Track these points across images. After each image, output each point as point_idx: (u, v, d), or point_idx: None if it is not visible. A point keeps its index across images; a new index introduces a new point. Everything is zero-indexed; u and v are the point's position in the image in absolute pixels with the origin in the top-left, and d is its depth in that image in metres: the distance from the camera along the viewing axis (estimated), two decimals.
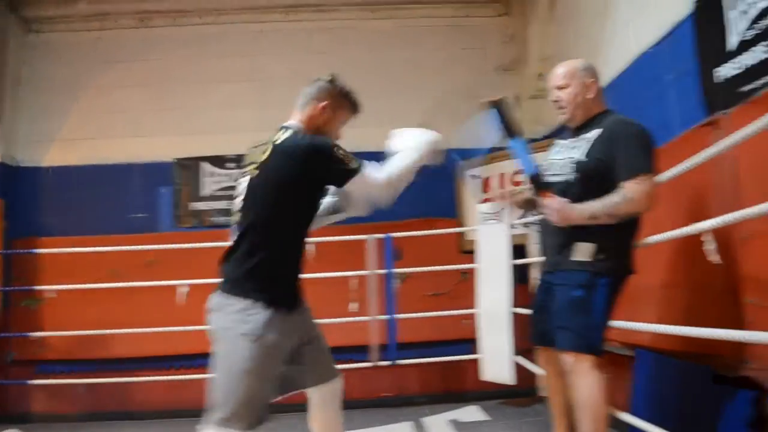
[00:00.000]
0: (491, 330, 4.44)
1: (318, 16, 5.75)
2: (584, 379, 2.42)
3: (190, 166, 5.51)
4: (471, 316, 4.47)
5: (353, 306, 4.69)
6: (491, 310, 4.41)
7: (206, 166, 5.50)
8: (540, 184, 2.55)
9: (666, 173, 2.47)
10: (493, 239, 4.51)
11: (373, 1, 5.71)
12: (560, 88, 2.67)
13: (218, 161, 5.50)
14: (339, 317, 4.64)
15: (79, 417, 4.99)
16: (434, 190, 5.43)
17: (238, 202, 2.21)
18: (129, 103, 5.58)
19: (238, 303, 2.07)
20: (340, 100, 2.38)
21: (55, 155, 5.55)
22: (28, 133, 5.56)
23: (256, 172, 2.16)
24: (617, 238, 2.47)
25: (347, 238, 4.73)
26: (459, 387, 4.97)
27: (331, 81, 2.36)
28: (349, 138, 5.22)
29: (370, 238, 4.70)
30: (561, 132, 3.02)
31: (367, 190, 2.16)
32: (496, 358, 4.36)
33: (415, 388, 5.02)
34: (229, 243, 2.18)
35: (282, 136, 2.18)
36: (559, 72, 2.69)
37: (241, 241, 2.14)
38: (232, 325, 2.05)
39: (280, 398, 2.24)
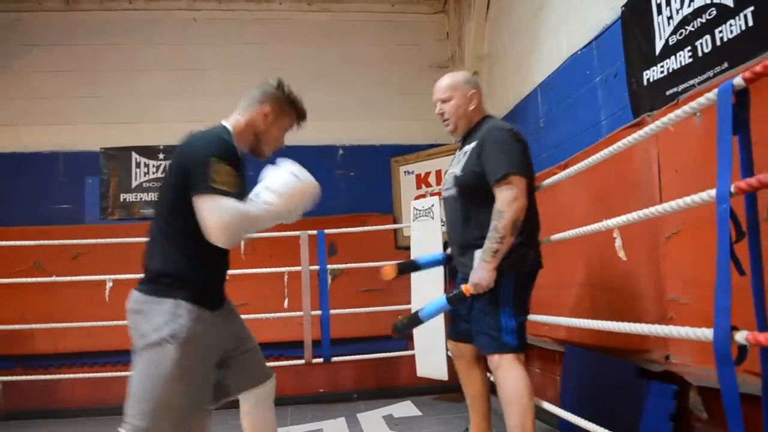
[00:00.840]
0: (424, 324, 4.49)
1: (253, 6, 5.65)
2: (507, 375, 2.54)
3: (118, 156, 5.33)
4: (406, 312, 4.50)
5: (287, 302, 4.64)
6: (423, 304, 4.46)
7: (136, 157, 5.34)
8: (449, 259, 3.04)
9: (580, 166, 2.59)
10: (427, 235, 4.57)
11: None
12: (443, 101, 2.78)
13: (148, 151, 5.34)
14: (273, 313, 4.62)
15: None
16: (369, 186, 5.48)
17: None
18: (52, 89, 5.34)
19: (160, 304, 1.95)
20: (285, 107, 2.32)
21: None
22: None
23: (166, 166, 2.12)
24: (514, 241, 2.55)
25: (280, 234, 4.69)
26: (393, 383, 5.02)
27: (278, 86, 2.31)
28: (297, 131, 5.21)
29: (303, 234, 4.67)
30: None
31: (207, 215, 1.89)
32: (430, 354, 4.43)
33: (349, 384, 5.03)
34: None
35: (189, 136, 2.09)
36: (442, 85, 2.80)
37: (155, 235, 2.07)
38: (153, 330, 1.91)
39: (213, 407, 2.18)
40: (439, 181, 5.23)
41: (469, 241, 2.65)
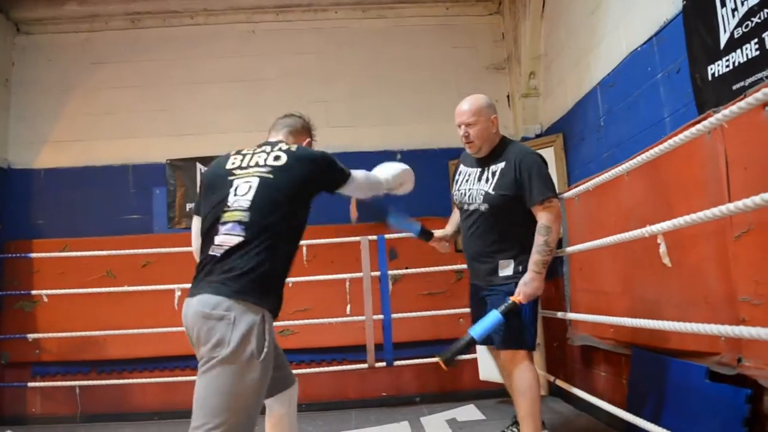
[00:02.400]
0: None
1: (310, 16, 5.74)
2: (520, 370, 2.92)
3: (183, 167, 5.50)
4: (467, 315, 4.49)
5: (349, 308, 4.69)
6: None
7: (201, 167, 5.49)
8: (427, 235, 3.37)
9: (638, 161, 2.57)
10: None
11: (364, 1, 5.71)
12: (468, 125, 3.03)
13: (212, 161, 5.47)
14: (335, 318, 4.68)
15: (75, 419, 5.00)
16: (428, 189, 5.45)
17: (241, 202, 2.12)
18: (119, 105, 5.56)
19: (250, 313, 1.98)
20: (312, 142, 2.69)
21: (46, 157, 5.52)
22: (18, 135, 5.53)
23: (269, 175, 2.18)
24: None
25: (341, 240, 4.76)
26: (456, 386, 4.99)
27: (309, 121, 2.69)
28: (342, 137, 5.28)
29: (364, 239, 4.71)
30: (464, 158, 3.34)
31: (358, 188, 2.48)
32: (492, 358, 4.40)
33: (412, 388, 5.02)
34: (228, 238, 2.08)
35: (288, 146, 2.32)
36: (465, 109, 3.05)
37: (251, 242, 2.06)
38: (241, 341, 1.94)
39: None
40: None
41: (491, 251, 3.02)
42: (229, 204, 2.14)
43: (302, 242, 2.48)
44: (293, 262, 2.25)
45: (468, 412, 4.43)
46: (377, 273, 4.75)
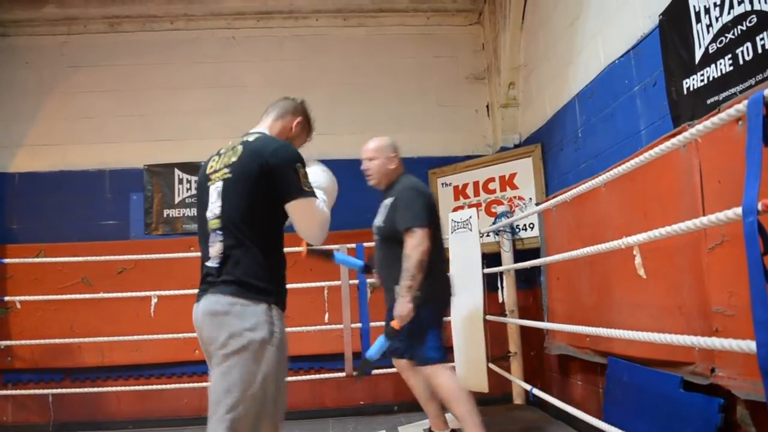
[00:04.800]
0: (465, 338, 4.49)
1: (290, 23, 5.74)
2: (439, 381, 3.19)
3: (161, 172, 5.45)
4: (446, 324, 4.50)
5: (327, 316, 4.69)
6: (464, 318, 4.47)
7: (179, 173, 5.45)
8: (368, 270, 3.75)
9: (614, 173, 2.58)
10: (465, 248, 4.56)
11: (345, 9, 5.72)
12: (369, 159, 3.43)
13: (190, 168, 5.44)
14: (313, 326, 4.67)
15: (48, 428, 4.91)
16: None
17: (214, 209, 2.14)
18: (97, 109, 5.50)
19: (254, 305, 2.01)
20: (307, 123, 2.50)
21: (22, 161, 5.44)
22: None
23: (229, 174, 2.13)
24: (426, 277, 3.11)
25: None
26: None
27: (302, 103, 2.49)
28: (322, 144, 5.27)
29: (342, 247, 4.70)
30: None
31: (308, 216, 2.14)
32: (471, 366, 4.41)
33: (389, 396, 5.01)
34: (214, 247, 2.11)
35: (252, 138, 2.20)
36: (370, 147, 3.46)
37: (234, 242, 2.07)
38: (250, 331, 1.97)
39: None
40: (477, 192, 5.22)
41: (389, 279, 3.27)
42: (208, 214, 2.18)
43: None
44: (282, 251, 2.21)
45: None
46: (355, 281, 4.74)
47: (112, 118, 5.51)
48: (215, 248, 2.11)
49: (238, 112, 5.47)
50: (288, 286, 2.22)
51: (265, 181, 2.08)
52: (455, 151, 5.55)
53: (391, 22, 5.79)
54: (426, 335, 3.19)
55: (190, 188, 5.45)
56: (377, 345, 3.10)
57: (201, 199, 2.27)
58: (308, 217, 2.14)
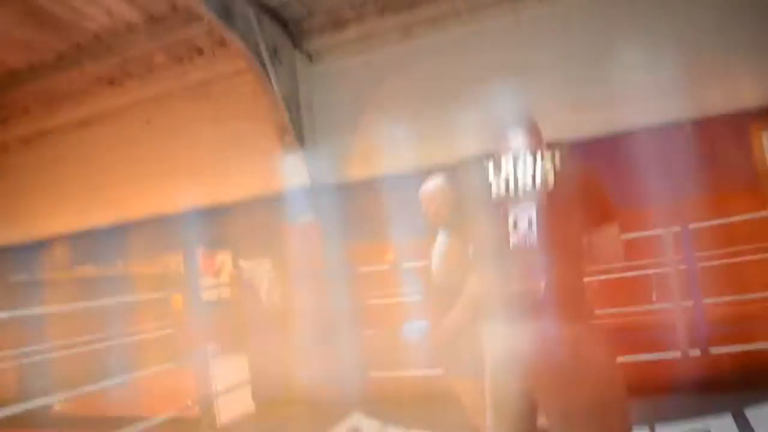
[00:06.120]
0: None
1: None
2: None
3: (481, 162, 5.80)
4: None
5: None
6: None
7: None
8: None
9: None
10: None
11: None
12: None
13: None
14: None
15: None
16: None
17: (530, 233, 2.00)
18: (406, 114, 5.98)
19: (589, 331, 2.01)
20: None
21: (353, 170, 6.26)
22: (327, 154, 6.29)
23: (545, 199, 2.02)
24: None
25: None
26: None
27: None
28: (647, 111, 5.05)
29: (666, 232, 4.65)
30: None
31: (618, 240, 2.16)
32: None
33: (732, 377, 4.86)
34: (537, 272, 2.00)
35: (550, 160, 2.07)
36: (431, 189, 3.34)
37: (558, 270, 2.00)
38: (601, 353, 1.99)
39: None
40: None
41: None
42: (523, 237, 2.12)
43: None
44: None
45: None
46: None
47: (417, 120, 5.96)
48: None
49: (528, 95, 5.53)
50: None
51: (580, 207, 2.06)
52: None
53: None
54: None
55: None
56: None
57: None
58: (618, 240, 2.15)
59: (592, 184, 2.10)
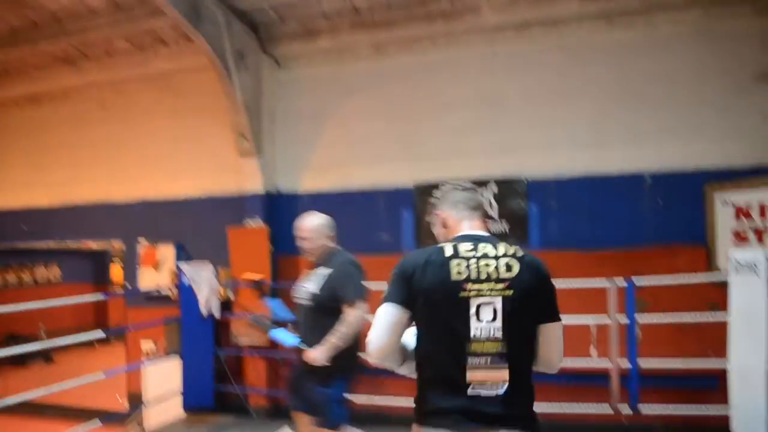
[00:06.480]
0: (744, 385, 4.26)
1: (552, 31, 5.51)
2: None
3: (430, 190, 5.75)
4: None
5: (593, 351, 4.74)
6: (745, 366, 4.22)
7: None
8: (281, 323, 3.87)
9: None
10: (747, 294, 4.24)
11: (612, 12, 5.33)
12: (305, 239, 3.63)
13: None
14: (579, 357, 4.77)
15: None
16: (677, 217, 5.18)
17: (492, 328, 1.87)
18: (369, 132, 5.95)
19: None
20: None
21: (307, 182, 6.15)
22: (284, 163, 6.20)
23: (510, 291, 1.89)
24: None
25: (586, 285, 4.76)
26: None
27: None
28: (585, 159, 5.16)
29: (612, 285, 4.66)
30: None
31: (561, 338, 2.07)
32: (749, 416, 4.20)
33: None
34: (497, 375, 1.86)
35: (514, 249, 1.98)
36: (306, 227, 3.64)
37: (519, 375, 1.89)
38: None
39: None
40: (763, 214, 4.75)
41: (318, 341, 3.42)
42: (485, 331, 1.95)
43: None
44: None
45: None
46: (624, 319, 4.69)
47: (382, 139, 5.92)
48: (497, 374, 1.87)
49: (497, 129, 5.56)
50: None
51: (541, 302, 1.97)
52: (737, 162, 5.00)
53: (661, 20, 5.26)
54: (339, 401, 3.46)
55: None
56: (284, 337, 3.61)
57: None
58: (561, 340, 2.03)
59: (548, 277, 2.00)
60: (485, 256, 1.94)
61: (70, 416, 6.59)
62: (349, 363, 3.50)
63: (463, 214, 2.14)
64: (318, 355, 3.38)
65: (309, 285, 3.60)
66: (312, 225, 3.67)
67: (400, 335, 1.99)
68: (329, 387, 3.44)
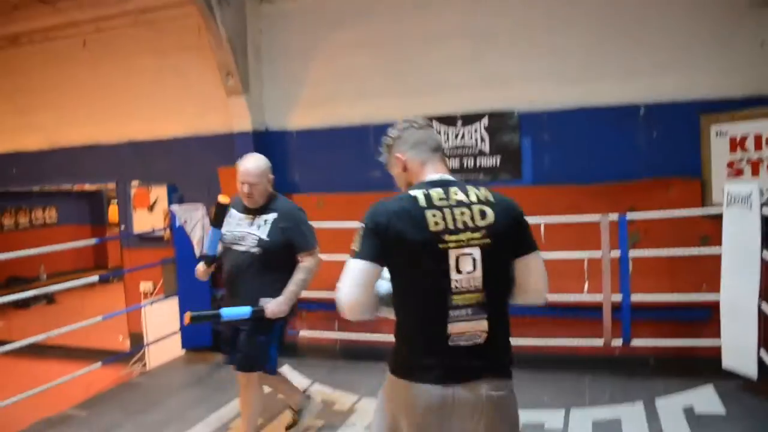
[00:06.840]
0: (735, 318, 4.29)
1: None
2: (249, 391, 3.57)
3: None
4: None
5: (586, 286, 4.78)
6: (736, 299, 4.26)
7: (437, 125, 5.60)
8: (211, 260, 3.54)
9: None
10: (741, 226, 4.22)
11: None
12: (252, 184, 3.38)
13: (448, 120, 5.59)
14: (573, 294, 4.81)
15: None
16: (674, 148, 5.09)
17: (472, 278, 1.83)
18: (357, 66, 5.81)
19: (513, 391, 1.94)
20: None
21: (296, 119, 6.05)
22: (272, 100, 6.07)
23: (487, 240, 1.84)
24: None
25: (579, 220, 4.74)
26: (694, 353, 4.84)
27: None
28: (576, 92, 4.98)
29: (604, 219, 4.63)
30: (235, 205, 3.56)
31: (543, 269, 2.02)
32: (739, 346, 4.26)
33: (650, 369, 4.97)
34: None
35: (485, 193, 1.93)
36: (252, 172, 3.38)
37: (497, 324, 1.88)
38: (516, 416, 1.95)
39: None
40: (759, 145, 4.67)
41: (262, 290, 3.38)
42: (465, 281, 1.92)
43: None
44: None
45: (706, 398, 4.30)
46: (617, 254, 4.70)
47: (371, 73, 5.78)
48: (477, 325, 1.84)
49: (487, 62, 5.42)
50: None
51: (517, 236, 1.93)
52: (732, 93, 4.83)
53: None
54: (270, 343, 3.47)
55: (448, 140, 5.59)
56: (238, 311, 3.33)
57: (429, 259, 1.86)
58: (543, 269, 2.00)
59: (522, 215, 1.95)
60: (460, 203, 1.87)
61: (72, 357, 6.74)
62: (293, 308, 3.53)
63: (426, 156, 2.03)
64: (281, 308, 3.35)
65: (253, 231, 3.44)
66: (260, 168, 3.42)
67: (373, 289, 1.92)
68: (270, 333, 3.44)
